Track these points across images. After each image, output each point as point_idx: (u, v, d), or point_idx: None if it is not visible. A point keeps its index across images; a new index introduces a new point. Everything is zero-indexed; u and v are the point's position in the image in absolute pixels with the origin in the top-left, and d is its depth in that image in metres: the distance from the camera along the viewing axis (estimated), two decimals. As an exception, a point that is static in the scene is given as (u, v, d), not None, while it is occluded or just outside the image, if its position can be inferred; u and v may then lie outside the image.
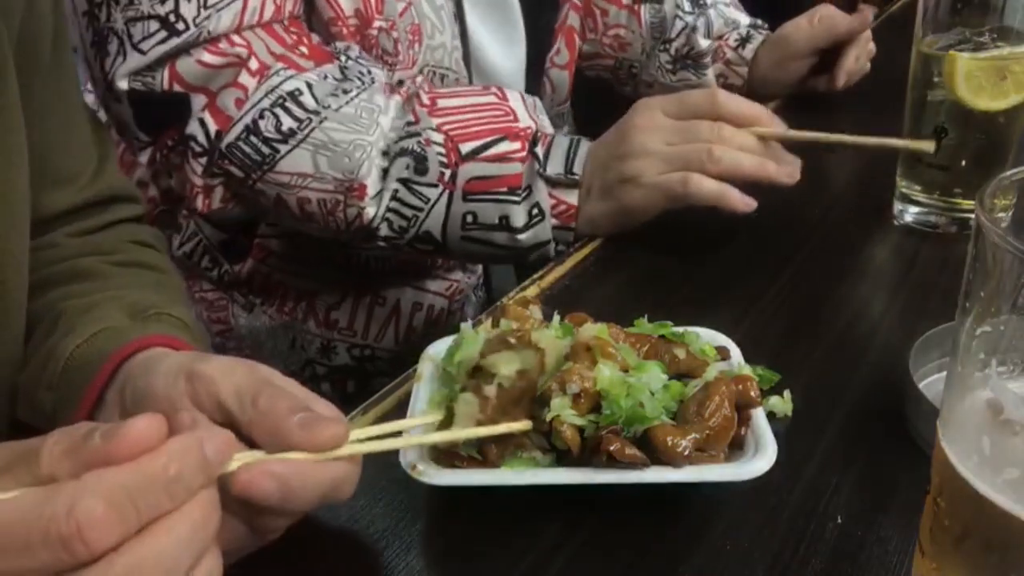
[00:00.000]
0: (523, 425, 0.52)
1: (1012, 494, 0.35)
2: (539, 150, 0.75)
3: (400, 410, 0.61)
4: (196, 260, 0.95)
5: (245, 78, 0.73)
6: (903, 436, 0.59)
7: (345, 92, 0.73)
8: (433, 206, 0.72)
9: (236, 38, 0.74)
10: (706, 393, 0.54)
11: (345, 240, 0.79)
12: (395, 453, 0.54)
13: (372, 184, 0.72)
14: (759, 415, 0.55)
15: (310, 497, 0.45)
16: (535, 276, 0.81)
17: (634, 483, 0.51)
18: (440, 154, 0.70)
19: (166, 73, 0.75)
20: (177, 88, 0.76)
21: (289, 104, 0.71)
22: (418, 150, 0.71)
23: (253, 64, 0.73)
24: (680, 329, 0.62)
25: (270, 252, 0.92)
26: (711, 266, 0.81)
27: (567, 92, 1.14)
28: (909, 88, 0.82)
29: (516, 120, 0.74)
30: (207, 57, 0.75)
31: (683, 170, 0.73)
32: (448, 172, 0.71)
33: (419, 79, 0.80)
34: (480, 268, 1.04)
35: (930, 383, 0.61)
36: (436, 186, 0.72)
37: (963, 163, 0.80)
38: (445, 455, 0.54)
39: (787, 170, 0.75)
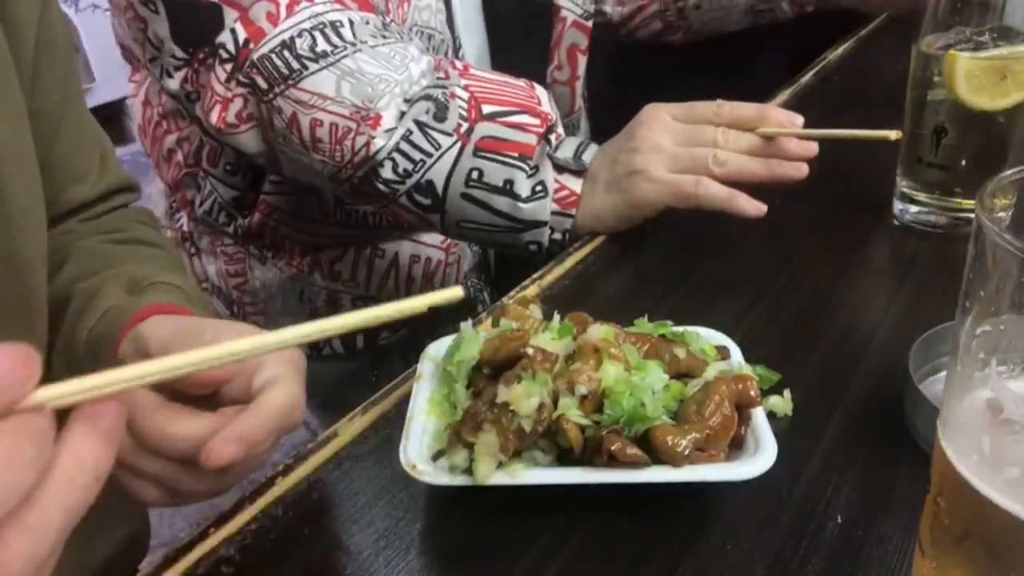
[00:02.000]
0: (452, 293, 0.41)
1: (1012, 494, 0.35)
2: (552, 137, 0.77)
3: (400, 410, 0.61)
4: (215, 217, 1.01)
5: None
6: (903, 436, 0.59)
7: (384, 37, 0.75)
8: (443, 154, 0.73)
9: None
10: (706, 393, 0.54)
11: (345, 179, 0.79)
12: (395, 453, 0.54)
13: (388, 118, 0.73)
14: (759, 415, 0.55)
15: (269, 440, 0.49)
16: (535, 276, 0.81)
17: (634, 483, 0.51)
18: (462, 107, 0.72)
19: None
20: None
21: (328, 31, 0.73)
22: (441, 99, 0.73)
23: None
24: (680, 329, 0.62)
25: (274, 207, 0.96)
26: (711, 266, 0.81)
27: (568, 107, 1.15)
28: (909, 88, 0.82)
29: (540, 104, 0.76)
30: None
31: (689, 171, 0.74)
32: (466, 125, 0.73)
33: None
34: None
35: (930, 383, 0.61)
36: (451, 135, 0.73)
37: (963, 163, 0.80)
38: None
39: (792, 166, 0.76)
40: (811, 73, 1.25)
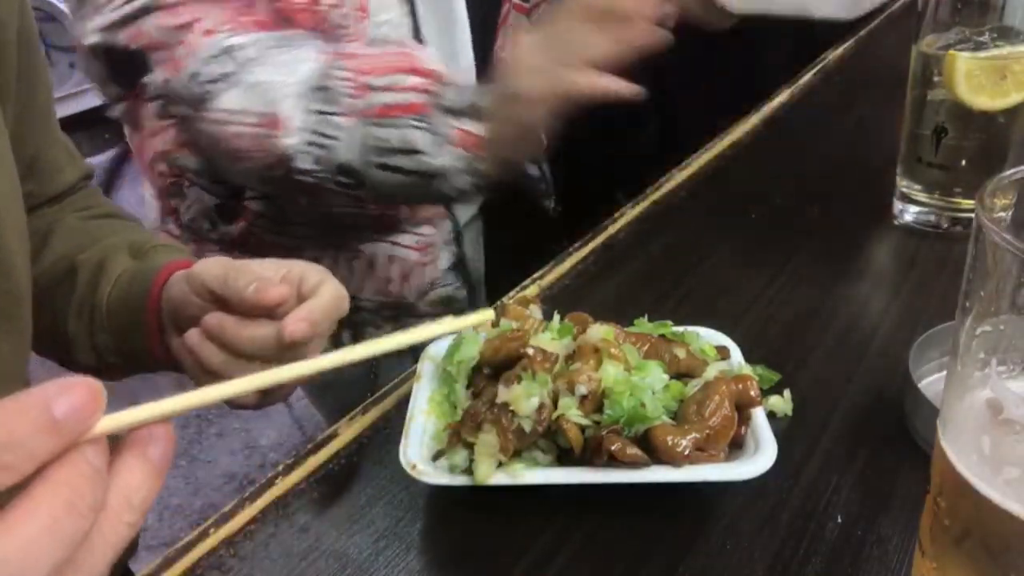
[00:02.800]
0: (484, 315, 0.43)
1: (1012, 494, 0.35)
2: (442, 88, 0.81)
3: (400, 410, 0.61)
4: (199, 224, 1.04)
5: (196, 37, 0.83)
6: (903, 436, 0.59)
7: (279, 48, 0.82)
8: (344, 135, 0.79)
9: (190, 6, 0.83)
10: (706, 393, 0.54)
11: (279, 178, 0.85)
12: (395, 453, 0.54)
13: (289, 118, 0.80)
14: (759, 415, 0.55)
15: (327, 324, 0.62)
16: (535, 276, 0.81)
17: (634, 483, 0.51)
18: (349, 87, 0.78)
19: (129, 32, 0.85)
20: (137, 46, 0.86)
21: (229, 55, 0.81)
22: (330, 85, 0.79)
23: (204, 25, 0.83)
24: (680, 329, 0.62)
25: (259, 214, 0.99)
26: (711, 266, 0.81)
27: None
28: (909, 88, 0.82)
29: (421, 62, 0.82)
30: (163, 20, 0.84)
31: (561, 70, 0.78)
32: (357, 101, 0.79)
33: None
34: (449, 224, 1.06)
35: (930, 383, 0.61)
36: (347, 115, 0.79)
37: (963, 163, 0.80)
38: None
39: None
40: (811, 73, 1.25)
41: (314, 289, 0.62)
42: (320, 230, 1.02)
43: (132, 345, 0.71)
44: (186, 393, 0.34)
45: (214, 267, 0.63)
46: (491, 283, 1.17)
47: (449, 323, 0.40)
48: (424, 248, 1.03)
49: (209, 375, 0.63)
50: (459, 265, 1.08)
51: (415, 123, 0.79)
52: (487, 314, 0.42)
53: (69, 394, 0.30)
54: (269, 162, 0.83)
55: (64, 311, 0.73)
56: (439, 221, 1.03)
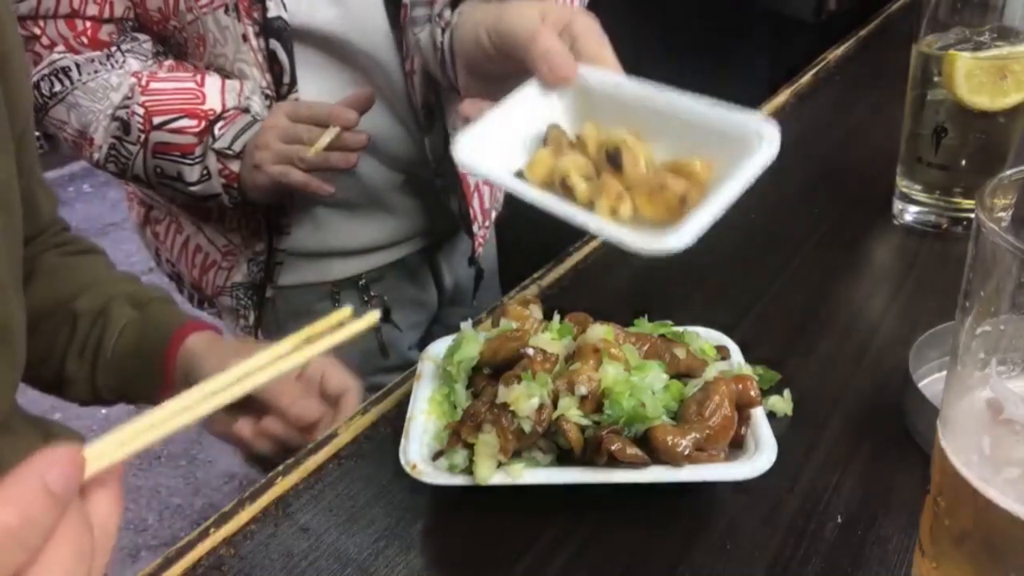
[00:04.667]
0: (370, 319, 0.42)
1: (1012, 494, 0.35)
2: (218, 127, 0.97)
3: (400, 410, 0.61)
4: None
5: (39, 48, 0.98)
6: (903, 436, 0.59)
7: (96, 72, 0.99)
8: (135, 158, 0.99)
9: (37, 22, 0.98)
10: (706, 393, 0.54)
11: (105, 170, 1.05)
12: (395, 453, 0.54)
13: (97, 138, 0.99)
14: (759, 415, 0.55)
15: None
16: (535, 276, 0.81)
17: (634, 483, 0.51)
18: (139, 123, 0.97)
19: None
20: None
21: (60, 75, 0.99)
22: (126, 118, 0.97)
23: (44, 41, 0.99)
24: (680, 329, 0.62)
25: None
26: (711, 266, 0.81)
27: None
28: (909, 88, 0.82)
29: (203, 102, 0.98)
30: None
31: (286, 161, 0.96)
32: (143, 136, 0.97)
33: (156, 62, 1.03)
34: (261, 245, 1.12)
35: (930, 383, 0.61)
36: (135, 144, 0.98)
37: (963, 163, 0.80)
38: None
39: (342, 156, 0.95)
40: (811, 73, 1.25)
41: (338, 389, 0.76)
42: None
43: (136, 390, 0.81)
44: (143, 418, 0.38)
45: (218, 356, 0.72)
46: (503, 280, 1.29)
47: (338, 336, 0.41)
48: (226, 253, 1.13)
49: (256, 458, 0.79)
50: (252, 286, 1.15)
51: (183, 160, 0.98)
52: (373, 316, 0.42)
53: (59, 466, 0.34)
54: (92, 163, 1.03)
55: (62, 353, 0.80)
56: (248, 238, 1.11)
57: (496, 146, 0.57)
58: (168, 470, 2.16)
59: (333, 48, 1.02)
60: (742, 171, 0.50)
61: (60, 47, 1.00)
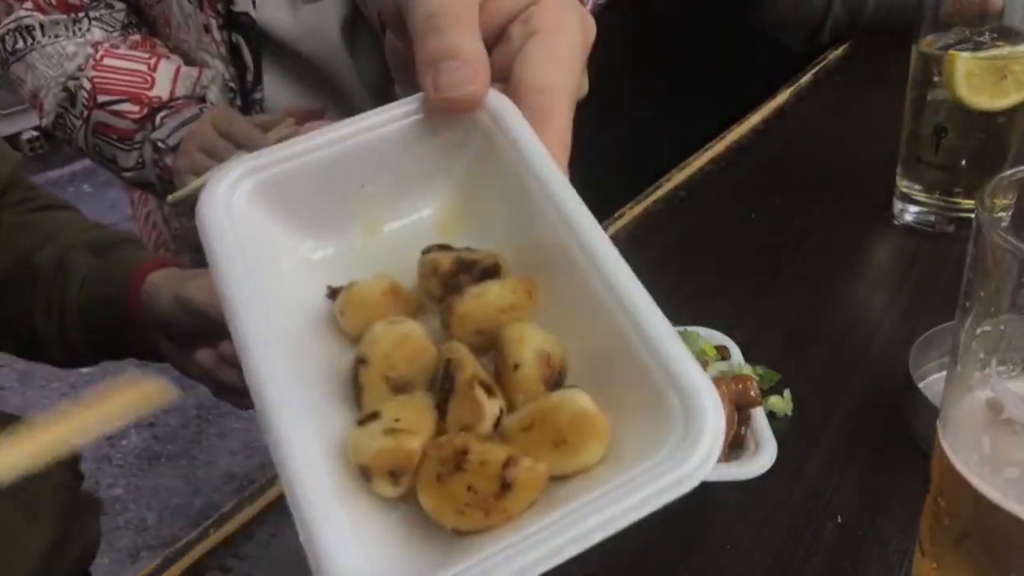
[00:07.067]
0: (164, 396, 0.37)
1: (1012, 494, 0.35)
2: (160, 115, 0.96)
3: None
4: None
5: (5, 4, 1.01)
6: (903, 436, 0.59)
7: (57, 37, 0.99)
8: (78, 131, 1.00)
9: None
10: (706, 393, 0.54)
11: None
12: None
13: (46, 104, 1.01)
14: (759, 415, 0.55)
15: None
16: (535, 276, 0.81)
17: (634, 483, 0.51)
18: (85, 98, 0.97)
19: None
20: None
21: (24, 33, 0.99)
22: (74, 90, 0.97)
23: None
24: (680, 329, 0.62)
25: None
26: (711, 266, 0.81)
27: None
28: (909, 88, 0.82)
29: (150, 88, 0.97)
30: None
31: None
32: (87, 112, 0.97)
33: (122, 35, 1.04)
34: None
35: (930, 383, 0.61)
36: (79, 119, 0.99)
37: (963, 163, 0.80)
38: None
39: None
40: (811, 73, 1.25)
41: None
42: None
43: (108, 342, 0.76)
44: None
45: (208, 292, 0.64)
46: None
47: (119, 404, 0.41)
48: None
49: (226, 389, 0.72)
50: None
51: (120, 145, 0.98)
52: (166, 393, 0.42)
53: None
54: (42, 125, 1.04)
55: (28, 311, 0.76)
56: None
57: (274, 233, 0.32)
58: (168, 470, 2.16)
59: (293, 51, 1.02)
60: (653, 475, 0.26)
61: (28, 3, 0.99)
